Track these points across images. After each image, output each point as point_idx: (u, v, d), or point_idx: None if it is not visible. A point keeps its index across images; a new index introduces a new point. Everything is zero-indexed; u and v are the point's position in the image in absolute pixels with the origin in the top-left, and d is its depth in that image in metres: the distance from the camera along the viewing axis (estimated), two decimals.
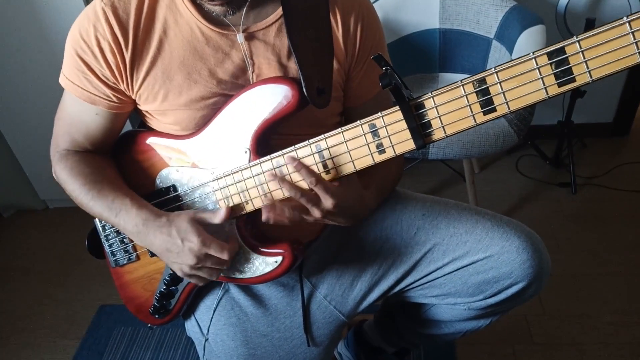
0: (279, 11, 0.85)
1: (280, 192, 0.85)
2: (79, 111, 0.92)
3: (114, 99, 0.90)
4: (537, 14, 1.67)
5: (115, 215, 0.89)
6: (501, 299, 0.99)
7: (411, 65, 1.95)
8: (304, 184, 0.81)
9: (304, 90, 0.82)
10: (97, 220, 1.02)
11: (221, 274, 0.94)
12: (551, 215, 1.98)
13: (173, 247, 0.85)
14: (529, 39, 1.60)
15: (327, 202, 0.80)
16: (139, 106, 0.92)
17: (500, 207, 2.04)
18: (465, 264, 0.97)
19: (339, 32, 0.87)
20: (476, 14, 1.80)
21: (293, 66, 0.87)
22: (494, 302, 1.00)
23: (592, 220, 1.94)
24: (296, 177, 0.82)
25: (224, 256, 0.85)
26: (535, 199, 2.08)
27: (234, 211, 0.89)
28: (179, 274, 0.89)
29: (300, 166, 0.80)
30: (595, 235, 1.88)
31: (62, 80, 0.91)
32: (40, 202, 2.30)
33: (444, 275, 1.00)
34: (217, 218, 0.86)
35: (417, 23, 1.87)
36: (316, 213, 0.81)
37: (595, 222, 1.93)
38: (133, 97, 0.90)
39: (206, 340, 1.03)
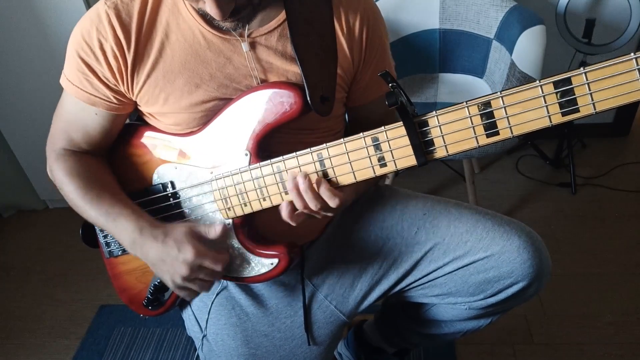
0: (281, 16, 0.85)
1: (279, 197, 0.85)
2: (78, 111, 0.92)
3: (114, 101, 0.90)
4: (537, 14, 1.67)
5: (112, 221, 0.89)
6: (502, 299, 0.99)
7: (411, 65, 1.94)
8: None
9: (308, 98, 0.82)
10: None
11: None
12: (551, 215, 1.99)
13: (167, 258, 0.84)
14: (529, 39, 1.60)
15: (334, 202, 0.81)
16: (140, 107, 0.92)
17: (500, 207, 2.04)
18: (466, 263, 0.97)
19: (343, 36, 0.87)
20: (476, 14, 1.80)
21: (295, 71, 0.86)
22: (494, 301, 1.00)
23: (592, 220, 1.95)
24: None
25: (218, 268, 0.85)
26: (535, 199, 2.08)
27: (232, 212, 0.89)
28: (170, 285, 0.88)
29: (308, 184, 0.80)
30: (596, 235, 1.88)
31: (62, 81, 0.91)
32: (40, 202, 2.30)
33: (445, 274, 1.00)
34: (212, 233, 0.86)
35: (417, 23, 1.87)
36: (321, 215, 0.83)
37: (595, 222, 1.94)
38: (134, 99, 0.90)
39: (204, 336, 1.03)
